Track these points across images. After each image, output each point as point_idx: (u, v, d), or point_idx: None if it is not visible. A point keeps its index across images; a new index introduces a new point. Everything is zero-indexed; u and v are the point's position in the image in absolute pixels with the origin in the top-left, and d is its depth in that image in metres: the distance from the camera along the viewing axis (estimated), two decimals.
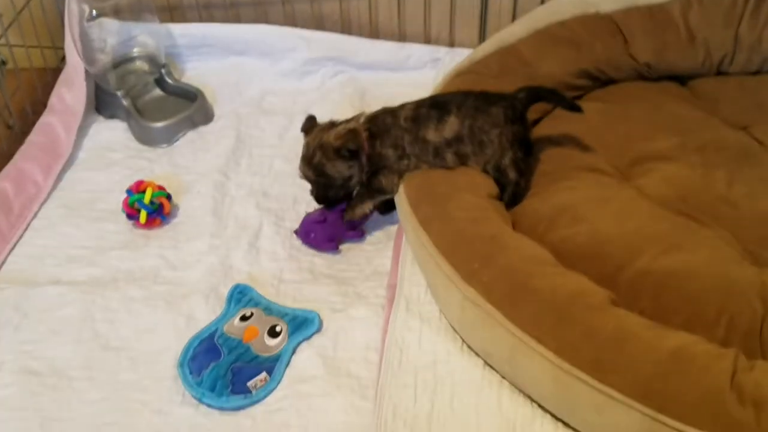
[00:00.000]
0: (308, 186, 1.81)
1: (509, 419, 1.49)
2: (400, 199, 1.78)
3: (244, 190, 2.10)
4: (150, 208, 1.94)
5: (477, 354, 1.59)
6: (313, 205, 1.92)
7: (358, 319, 1.72)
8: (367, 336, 1.68)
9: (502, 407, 1.51)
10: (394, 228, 1.95)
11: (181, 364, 1.62)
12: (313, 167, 1.76)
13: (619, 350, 1.31)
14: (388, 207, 1.92)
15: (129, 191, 1.97)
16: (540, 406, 1.49)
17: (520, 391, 1.52)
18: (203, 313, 1.74)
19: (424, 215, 1.68)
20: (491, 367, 1.57)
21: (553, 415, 1.47)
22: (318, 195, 1.83)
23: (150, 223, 1.96)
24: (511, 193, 1.79)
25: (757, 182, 1.74)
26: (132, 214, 1.95)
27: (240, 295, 1.76)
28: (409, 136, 1.75)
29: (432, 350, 1.62)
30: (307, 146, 1.78)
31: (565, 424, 1.46)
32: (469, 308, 1.52)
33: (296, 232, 1.93)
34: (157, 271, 1.87)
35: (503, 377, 1.55)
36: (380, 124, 1.76)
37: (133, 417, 1.55)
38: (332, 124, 1.79)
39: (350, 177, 1.77)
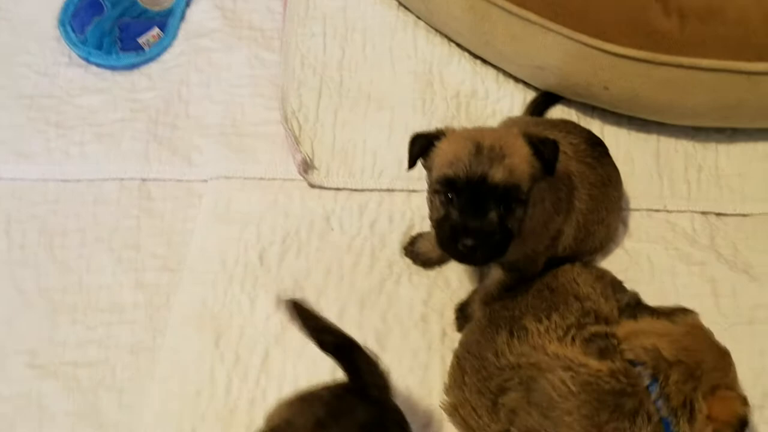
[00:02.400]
0: None
1: (426, 60, 1.38)
2: None
3: None
4: None
5: None
6: None
7: None
8: None
9: (418, 49, 1.40)
10: None
11: (62, 23, 1.44)
12: None
13: None
14: None
15: None
16: (457, 45, 1.38)
17: (437, 31, 1.39)
18: None
19: None
20: (405, 7, 1.42)
21: (470, 53, 1.37)
22: None
23: None
24: None
25: None
26: None
27: None
28: None
29: None
30: None
31: (483, 62, 1.36)
32: None
33: None
34: None
35: (418, 17, 1.41)
36: None
37: (19, 81, 1.41)
38: None
39: None
